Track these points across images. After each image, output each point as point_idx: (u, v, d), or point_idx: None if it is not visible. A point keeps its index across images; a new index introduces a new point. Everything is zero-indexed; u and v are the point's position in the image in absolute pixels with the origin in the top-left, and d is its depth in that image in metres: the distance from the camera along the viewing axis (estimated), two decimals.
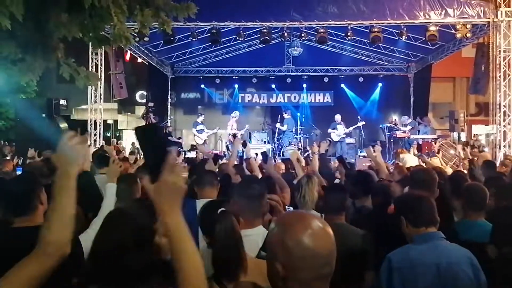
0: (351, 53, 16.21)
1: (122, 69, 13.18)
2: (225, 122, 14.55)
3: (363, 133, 14.24)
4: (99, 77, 10.62)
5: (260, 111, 17.56)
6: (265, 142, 14.42)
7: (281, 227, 1.29)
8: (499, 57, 10.87)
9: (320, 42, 12.42)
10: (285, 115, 14.60)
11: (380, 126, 14.95)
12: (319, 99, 16.97)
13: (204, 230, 2.19)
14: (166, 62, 16.24)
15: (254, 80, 16.99)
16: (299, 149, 12.78)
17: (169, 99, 17.23)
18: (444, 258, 2.29)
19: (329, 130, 13.94)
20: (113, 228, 1.69)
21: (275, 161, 9.93)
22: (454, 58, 15.07)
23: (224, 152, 13.60)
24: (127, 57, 15.58)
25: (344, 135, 13.85)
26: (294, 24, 11.66)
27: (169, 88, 17.15)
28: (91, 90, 12.40)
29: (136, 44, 12.01)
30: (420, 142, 11.62)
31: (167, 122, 15.82)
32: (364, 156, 11.64)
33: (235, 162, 5.56)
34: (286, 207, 3.75)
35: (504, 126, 10.94)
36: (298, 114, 15.15)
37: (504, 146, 10.87)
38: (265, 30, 11.99)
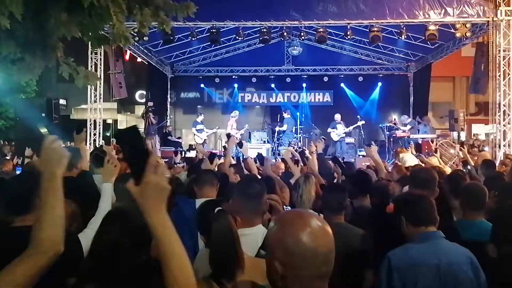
0: (350, 53, 16.21)
1: (121, 68, 13.15)
2: (225, 122, 14.53)
3: (362, 133, 14.20)
4: (99, 76, 10.59)
5: (260, 110, 17.55)
6: (264, 141, 14.40)
7: (280, 226, 1.29)
8: (499, 56, 10.85)
9: (319, 41, 12.40)
10: (285, 115, 14.56)
11: (380, 125, 14.91)
12: (318, 99, 16.96)
13: (201, 229, 2.19)
14: (166, 62, 16.23)
15: (254, 80, 16.98)
16: (296, 149, 12.75)
17: (169, 99, 17.23)
18: (444, 258, 2.28)
19: (329, 130, 13.89)
20: (112, 227, 1.69)
21: (275, 160, 9.93)
22: (453, 57, 15.07)
23: (223, 151, 13.59)
24: (127, 57, 15.54)
25: (344, 135, 13.80)
26: (294, 24, 11.64)
27: (169, 87, 17.15)
28: (91, 89, 12.36)
29: (136, 43, 12.01)
30: (420, 142, 11.62)
31: (167, 121, 15.81)
32: (363, 156, 11.63)
33: (232, 162, 5.56)
34: (285, 206, 3.75)
35: (504, 125, 10.91)
36: (298, 113, 15.11)
37: (504, 145, 10.86)
38: (264, 30, 11.95)
